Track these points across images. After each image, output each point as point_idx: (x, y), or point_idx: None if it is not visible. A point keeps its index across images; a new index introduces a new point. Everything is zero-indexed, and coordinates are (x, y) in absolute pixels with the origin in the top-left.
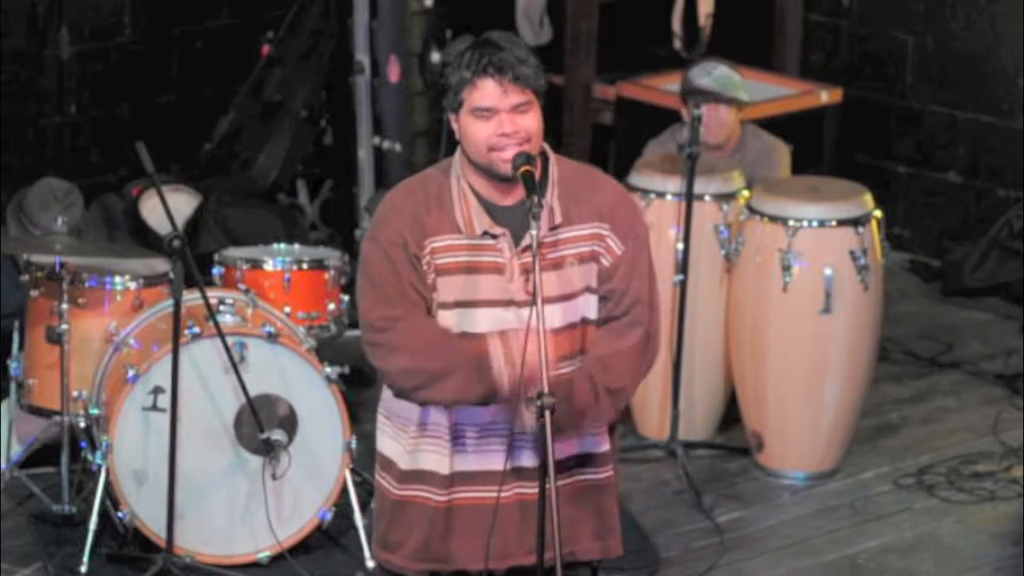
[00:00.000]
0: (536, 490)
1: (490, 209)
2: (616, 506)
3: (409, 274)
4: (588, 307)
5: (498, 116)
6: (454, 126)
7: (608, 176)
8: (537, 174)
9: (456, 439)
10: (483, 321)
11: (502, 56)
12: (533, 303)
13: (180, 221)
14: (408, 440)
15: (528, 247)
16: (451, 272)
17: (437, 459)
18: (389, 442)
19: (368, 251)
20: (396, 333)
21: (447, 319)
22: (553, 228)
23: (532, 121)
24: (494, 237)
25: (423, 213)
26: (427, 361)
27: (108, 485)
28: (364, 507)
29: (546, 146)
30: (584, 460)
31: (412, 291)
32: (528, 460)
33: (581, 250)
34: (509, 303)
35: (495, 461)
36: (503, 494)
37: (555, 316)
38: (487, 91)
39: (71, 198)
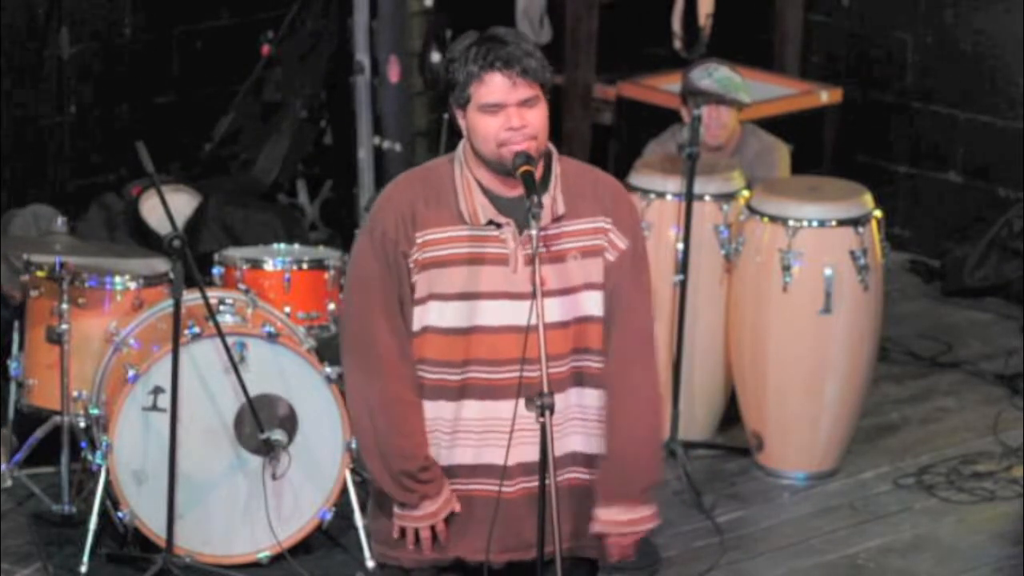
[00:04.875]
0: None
1: (494, 200)
2: None
3: (392, 275)
4: (589, 304)
5: (506, 111)
6: (460, 122)
7: (608, 174)
8: (539, 171)
9: (458, 432)
10: (490, 314)
11: (509, 50)
12: (533, 298)
13: (180, 221)
14: (443, 437)
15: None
16: (450, 264)
17: (464, 452)
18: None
19: (360, 244)
20: (368, 376)
21: (448, 312)
22: (556, 220)
23: (539, 116)
24: (498, 226)
25: (420, 205)
26: (370, 425)
27: (108, 485)
28: (364, 507)
29: (550, 144)
30: (586, 460)
31: (392, 295)
32: (532, 455)
33: (584, 244)
34: (513, 295)
35: (497, 456)
36: (507, 488)
37: (553, 310)
38: (495, 86)
39: (52, 228)
